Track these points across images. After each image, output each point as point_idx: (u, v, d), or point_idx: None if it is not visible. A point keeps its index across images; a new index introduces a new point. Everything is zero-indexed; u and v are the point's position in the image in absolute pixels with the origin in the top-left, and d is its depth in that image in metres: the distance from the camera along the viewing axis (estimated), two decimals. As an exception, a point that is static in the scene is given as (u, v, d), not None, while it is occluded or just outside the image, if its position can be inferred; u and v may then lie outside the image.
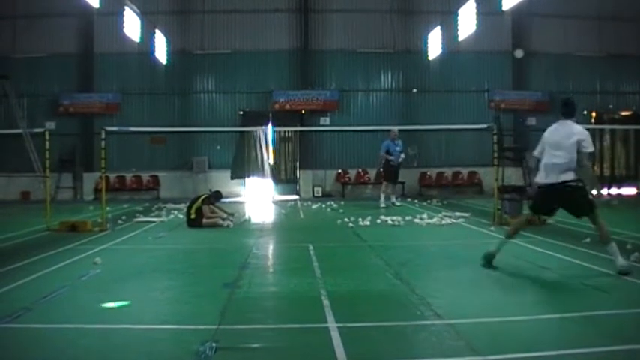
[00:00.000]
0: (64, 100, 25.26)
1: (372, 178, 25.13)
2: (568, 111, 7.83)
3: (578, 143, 7.51)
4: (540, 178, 7.80)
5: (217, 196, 14.05)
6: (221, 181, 23.62)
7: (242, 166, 24.95)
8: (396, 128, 18.78)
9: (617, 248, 7.48)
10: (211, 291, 6.75)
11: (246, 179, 25.04)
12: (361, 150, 25.21)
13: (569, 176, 7.55)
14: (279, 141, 26.50)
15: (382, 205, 17.59)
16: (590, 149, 7.52)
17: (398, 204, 18.43)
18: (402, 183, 24.06)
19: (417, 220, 13.95)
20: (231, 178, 24.55)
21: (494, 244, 8.11)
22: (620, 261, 7.35)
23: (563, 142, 7.59)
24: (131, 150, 24.99)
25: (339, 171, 25.65)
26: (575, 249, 9.29)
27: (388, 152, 18.06)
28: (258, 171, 24.88)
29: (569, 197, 7.65)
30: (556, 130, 7.79)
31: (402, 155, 18.16)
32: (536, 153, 7.95)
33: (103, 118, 24.60)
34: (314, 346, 4.78)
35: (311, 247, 9.88)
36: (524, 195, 13.40)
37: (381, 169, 19.01)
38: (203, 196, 13.67)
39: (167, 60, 24.19)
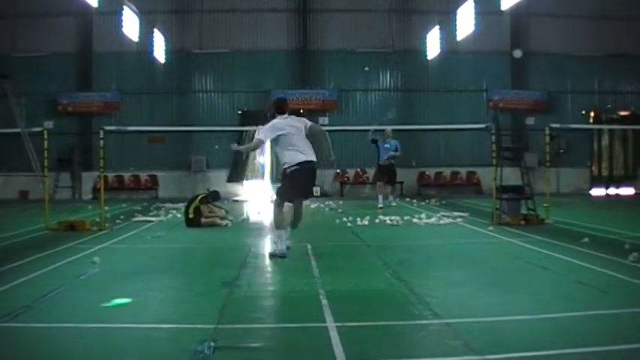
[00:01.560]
0: (62, 99, 25.27)
1: (371, 177, 25.15)
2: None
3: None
4: (300, 158, 8.83)
5: (215, 195, 14.03)
6: (220, 180, 23.60)
7: (239, 169, 24.82)
8: (389, 128, 18.67)
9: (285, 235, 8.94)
10: (210, 290, 6.75)
11: (245, 182, 24.96)
12: (360, 150, 25.19)
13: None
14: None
15: (379, 205, 17.54)
16: None
17: (394, 204, 18.14)
18: (400, 183, 24.07)
19: (415, 220, 13.95)
20: (227, 181, 24.36)
21: None
22: (280, 246, 8.83)
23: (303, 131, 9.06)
24: (130, 149, 25.00)
25: (338, 170, 25.65)
26: (573, 249, 9.29)
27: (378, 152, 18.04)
28: (257, 171, 24.86)
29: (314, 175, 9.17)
30: (290, 122, 9.14)
31: (392, 153, 17.93)
32: (263, 137, 9.11)
33: (101, 117, 24.62)
34: (312, 345, 4.78)
35: (309, 247, 9.88)
36: (523, 194, 13.43)
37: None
38: (201, 196, 13.64)
39: (166, 59, 24.22)
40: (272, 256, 8.89)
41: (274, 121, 9.15)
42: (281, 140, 8.90)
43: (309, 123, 9.40)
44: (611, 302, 5.96)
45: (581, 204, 20.35)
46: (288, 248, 8.98)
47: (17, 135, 21.78)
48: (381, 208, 17.19)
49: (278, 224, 9.07)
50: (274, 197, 9.49)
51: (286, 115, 9.23)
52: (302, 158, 8.82)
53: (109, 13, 21.94)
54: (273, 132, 8.95)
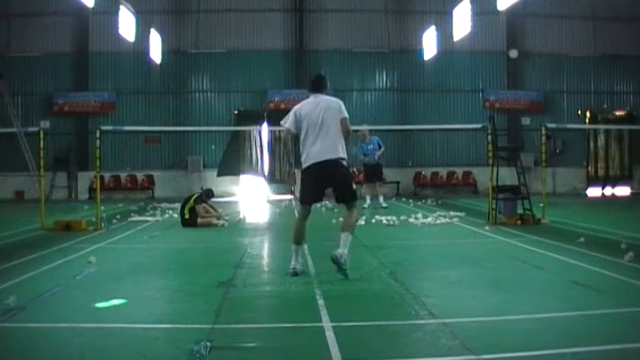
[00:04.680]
0: (58, 99, 25.23)
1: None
2: (319, 85, 7.70)
3: (342, 114, 7.42)
4: (313, 158, 7.35)
5: (209, 194, 13.99)
6: (216, 180, 23.63)
7: (231, 163, 24.83)
8: (364, 128, 18.31)
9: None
10: (206, 290, 6.74)
11: (237, 177, 25.01)
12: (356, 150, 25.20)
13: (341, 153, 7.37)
14: (274, 140, 26.49)
15: (364, 205, 17.24)
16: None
17: (384, 205, 17.56)
18: (397, 182, 24.08)
19: (411, 220, 13.95)
20: (218, 176, 24.38)
21: None
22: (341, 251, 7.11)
23: (331, 110, 7.41)
24: (126, 149, 24.98)
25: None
26: (569, 248, 9.30)
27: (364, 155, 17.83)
28: (254, 170, 24.89)
29: (342, 176, 7.48)
30: (317, 107, 7.45)
31: (378, 153, 17.66)
32: (288, 125, 7.58)
33: (97, 117, 24.59)
34: (309, 345, 4.78)
35: (306, 247, 9.86)
36: (519, 194, 13.44)
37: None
38: (195, 195, 13.61)
39: (162, 59, 24.20)
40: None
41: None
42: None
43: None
44: (607, 302, 5.97)
45: (577, 204, 20.39)
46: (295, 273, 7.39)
47: (13, 135, 21.75)
48: (365, 208, 16.97)
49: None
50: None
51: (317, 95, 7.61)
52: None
53: (106, 13, 21.92)
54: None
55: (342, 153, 7.38)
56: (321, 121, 7.33)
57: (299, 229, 7.52)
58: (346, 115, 7.50)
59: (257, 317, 5.61)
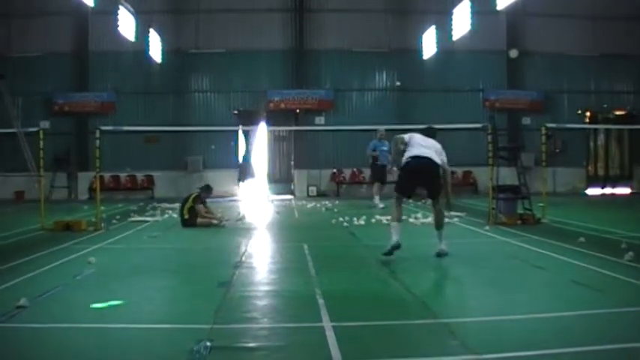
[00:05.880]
0: (58, 99, 25.21)
1: (367, 177, 25.13)
2: (430, 134, 9.35)
3: (442, 155, 8.94)
4: (412, 154, 8.75)
5: (207, 189, 13.88)
6: (216, 180, 23.49)
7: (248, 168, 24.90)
8: (382, 128, 18.38)
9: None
10: (206, 290, 6.74)
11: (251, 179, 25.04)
12: (356, 149, 25.15)
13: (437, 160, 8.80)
14: (274, 140, 26.52)
15: (380, 206, 17.29)
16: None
17: (381, 206, 17.12)
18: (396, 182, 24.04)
19: (411, 220, 13.94)
20: (239, 181, 24.42)
21: None
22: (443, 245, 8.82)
23: (434, 145, 8.96)
24: (126, 149, 24.92)
25: (334, 170, 25.66)
26: (569, 248, 9.31)
27: (374, 151, 17.78)
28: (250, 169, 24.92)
29: (435, 174, 8.85)
30: (424, 139, 9.06)
31: (390, 158, 17.59)
32: (404, 136, 9.09)
33: (97, 117, 24.56)
34: (309, 345, 4.78)
35: (306, 247, 9.89)
36: (519, 194, 13.44)
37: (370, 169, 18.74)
38: (193, 195, 13.52)
39: (162, 59, 24.20)
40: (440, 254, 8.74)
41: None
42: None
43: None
44: (607, 301, 5.97)
45: (578, 203, 20.39)
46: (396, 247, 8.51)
47: (13, 135, 21.73)
48: (379, 207, 16.99)
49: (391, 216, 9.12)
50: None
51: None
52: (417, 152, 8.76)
53: (105, 13, 21.86)
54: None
55: (439, 162, 8.81)
56: (428, 149, 8.81)
57: (399, 211, 8.78)
58: (446, 160, 8.99)
59: (257, 317, 5.61)
